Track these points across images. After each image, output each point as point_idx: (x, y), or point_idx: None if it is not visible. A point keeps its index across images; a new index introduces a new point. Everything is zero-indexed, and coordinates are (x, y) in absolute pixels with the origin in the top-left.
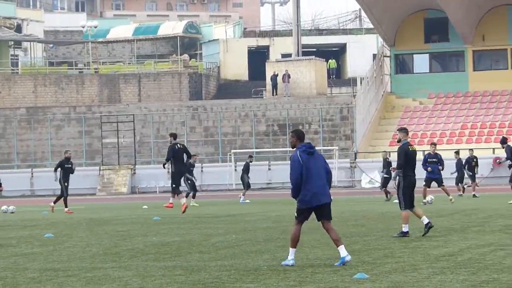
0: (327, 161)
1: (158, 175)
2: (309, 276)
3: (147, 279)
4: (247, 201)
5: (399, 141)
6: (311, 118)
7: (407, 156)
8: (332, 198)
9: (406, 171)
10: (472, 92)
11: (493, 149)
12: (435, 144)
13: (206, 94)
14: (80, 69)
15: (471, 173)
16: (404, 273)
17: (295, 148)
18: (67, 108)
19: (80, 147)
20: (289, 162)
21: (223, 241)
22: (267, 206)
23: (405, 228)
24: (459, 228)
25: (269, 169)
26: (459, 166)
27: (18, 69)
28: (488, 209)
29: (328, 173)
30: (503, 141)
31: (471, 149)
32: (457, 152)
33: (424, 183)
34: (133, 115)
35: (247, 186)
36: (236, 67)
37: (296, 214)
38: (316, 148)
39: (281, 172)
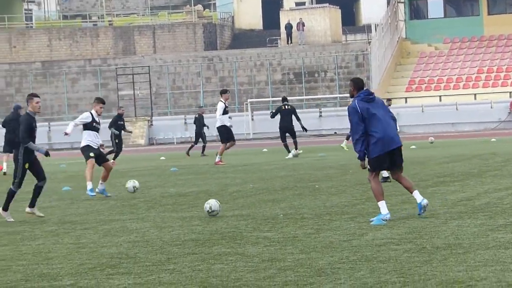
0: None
1: (175, 126)
2: (326, 223)
3: (164, 230)
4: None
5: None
6: (326, 66)
7: None
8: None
9: None
10: (487, 36)
11: (510, 93)
12: None
13: (220, 44)
14: (94, 21)
15: None
16: (422, 219)
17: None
18: (82, 61)
19: None
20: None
21: (240, 190)
22: (284, 155)
23: (384, 174)
24: (476, 172)
25: None
26: None
27: (32, 24)
28: (505, 153)
29: (394, 119)
30: None
31: None
32: None
33: None
34: (149, 66)
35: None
36: (250, 17)
37: (370, 166)
38: (332, 95)
39: None
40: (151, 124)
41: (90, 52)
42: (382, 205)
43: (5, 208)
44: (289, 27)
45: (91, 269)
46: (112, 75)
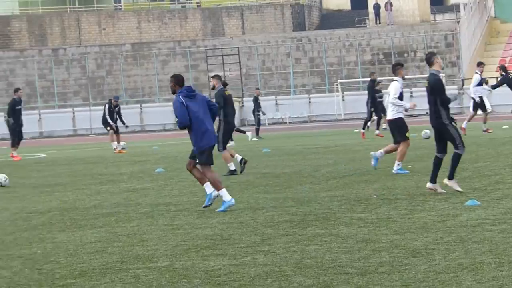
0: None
1: (266, 107)
2: (420, 204)
3: (258, 212)
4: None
5: (213, 88)
6: (416, 46)
7: (226, 101)
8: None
9: (226, 115)
10: None
11: None
12: None
13: (309, 25)
14: (182, 3)
15: None
16: None
17: (175, 94)
18: (172, 43)
19: (187, 81)
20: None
21: (333, 171)
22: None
23: (231, 167)
24: None
25: None
26: None
27: (121, 6)
28: None
29: (214, 113)
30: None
31: None
32: None
33: None
34: (238, 48)
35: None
36: None
37: (200, 159)
38: (423, 76)
39: None
40: (242, 105)
41: (179, 33)
42: (224, 192)
43: (451, 177)
44: (377, 7)
45: (186, 250)
46: (201, 56)
